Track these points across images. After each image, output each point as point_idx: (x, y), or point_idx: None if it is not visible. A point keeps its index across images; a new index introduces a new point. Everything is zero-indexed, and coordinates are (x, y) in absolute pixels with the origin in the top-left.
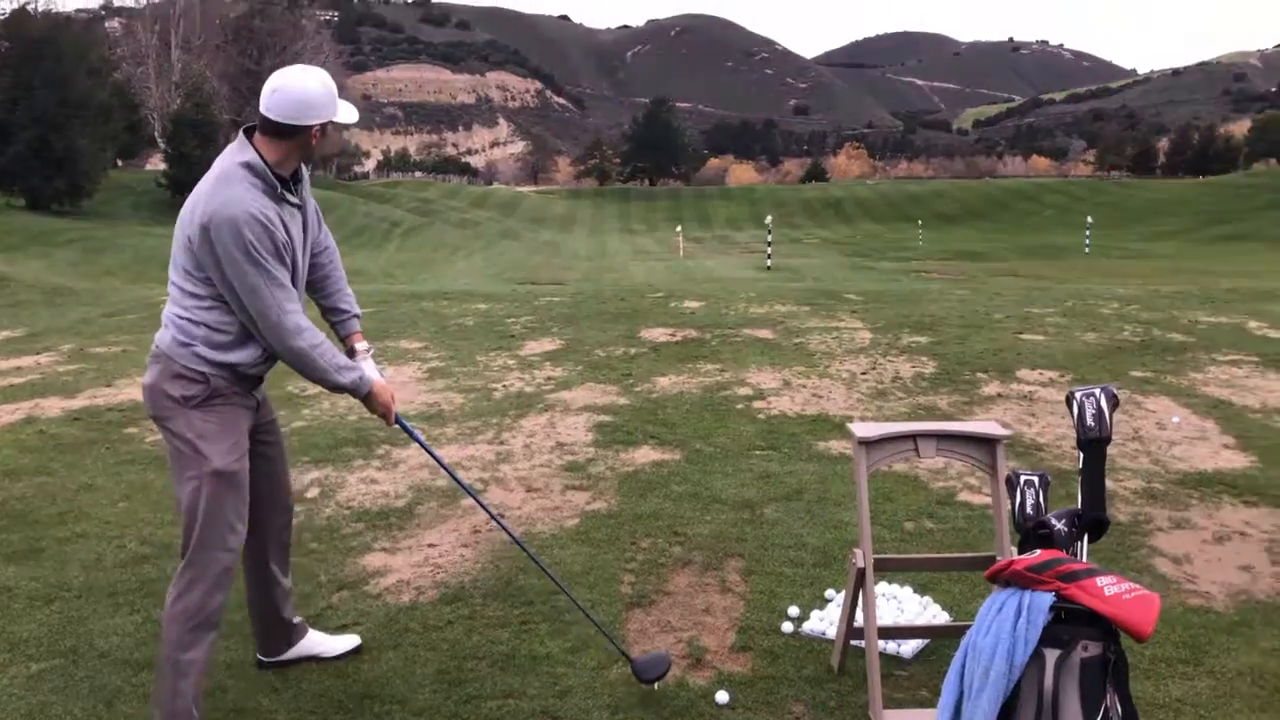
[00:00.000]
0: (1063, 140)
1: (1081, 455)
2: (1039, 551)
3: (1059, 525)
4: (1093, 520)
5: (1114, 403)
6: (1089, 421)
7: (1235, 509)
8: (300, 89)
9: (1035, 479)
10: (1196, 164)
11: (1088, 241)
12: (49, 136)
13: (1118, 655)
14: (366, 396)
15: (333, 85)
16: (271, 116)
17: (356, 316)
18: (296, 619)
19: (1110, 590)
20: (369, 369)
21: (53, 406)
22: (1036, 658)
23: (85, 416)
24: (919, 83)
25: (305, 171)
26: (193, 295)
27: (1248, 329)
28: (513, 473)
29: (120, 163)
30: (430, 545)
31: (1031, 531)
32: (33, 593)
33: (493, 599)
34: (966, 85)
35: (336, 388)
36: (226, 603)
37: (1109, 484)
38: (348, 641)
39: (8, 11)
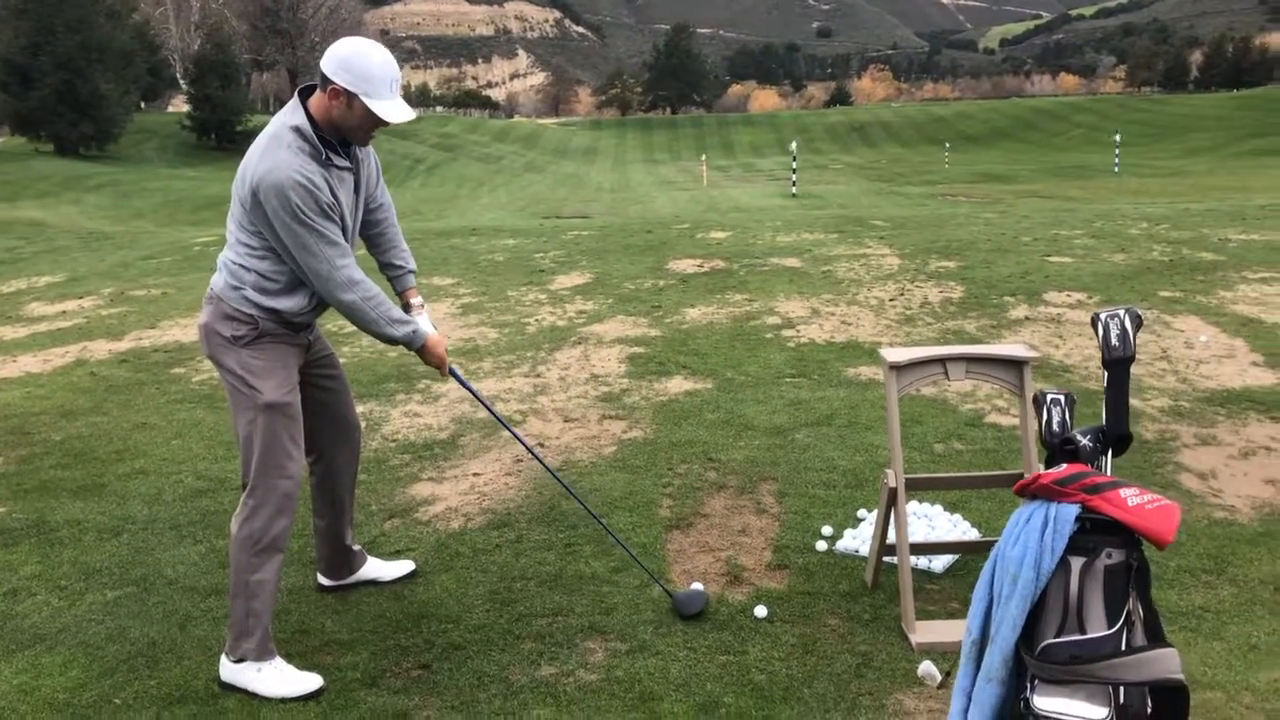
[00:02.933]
0: (1092, 57)
1: (1106, 374)
2: (1065, 466)
3: (1084, 441)
4: (1117, 436)
5: (1138, 323)
6: (1113, 341)
7: (1262, 425)
8: (349, 51)
9: (1061, 397)
10: (1231, 77)
11: (1117, 160)
12: (74, 81)
13: (1140, 562)
14: (421, 349)
15: (391, 75)
16: (320, 64)
17: (412, 272)
18: (357, 546)
19: (1133, 501)
20: (423, 323)
21: (100, 349)
22: (1062, 565)
23: (132, 358)
24: (944, 1)
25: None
26: (245, 245)
27: None
28: (550, 404)
29: (143, 105)
30: (475, 474)
31: (1058, 447)
32: (101, 526)
33: (537, 523)
34: (993, 3)
35: (390, 340)
36: (290, 528)
37: (1136, 402)
38: (403, 566)
39: None
